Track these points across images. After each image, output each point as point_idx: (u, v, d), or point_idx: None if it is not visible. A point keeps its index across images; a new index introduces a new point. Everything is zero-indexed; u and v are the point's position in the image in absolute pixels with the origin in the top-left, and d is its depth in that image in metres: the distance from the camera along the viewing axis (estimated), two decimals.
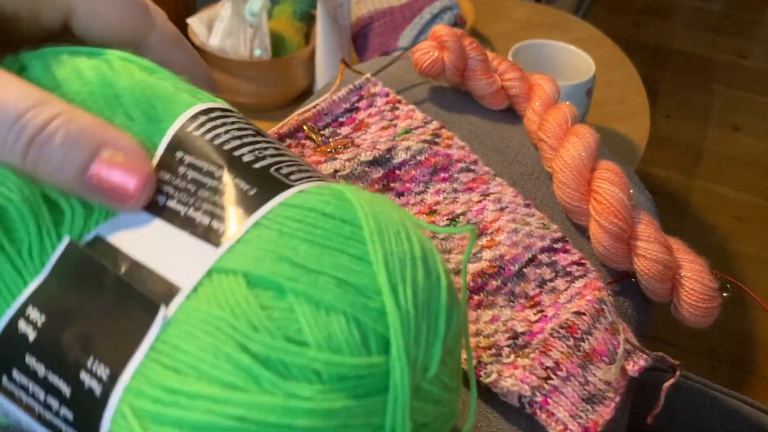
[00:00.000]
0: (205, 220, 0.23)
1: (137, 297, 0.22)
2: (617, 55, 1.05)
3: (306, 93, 0.95)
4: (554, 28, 1.08)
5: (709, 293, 0.36)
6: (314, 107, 0.44)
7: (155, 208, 0.24)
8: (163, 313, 0.21)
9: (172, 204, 0.23)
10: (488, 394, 0.32)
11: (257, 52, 0.90)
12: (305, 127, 0.43)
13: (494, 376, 0.31)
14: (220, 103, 0.26)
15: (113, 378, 0.21)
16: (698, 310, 0.36)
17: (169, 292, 0.22)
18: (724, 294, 0.37)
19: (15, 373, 0.22)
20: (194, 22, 0.91)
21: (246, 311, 0.21)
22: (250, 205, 0.23)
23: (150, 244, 0.23)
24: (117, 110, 0.24)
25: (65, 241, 0.23)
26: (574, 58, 0.86)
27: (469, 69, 0.46)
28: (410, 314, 0.21)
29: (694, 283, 0.36)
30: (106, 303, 0.22)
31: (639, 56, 1.09)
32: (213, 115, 0.25)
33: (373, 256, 0.22)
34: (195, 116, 0.25)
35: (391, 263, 0.22)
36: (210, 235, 0.22)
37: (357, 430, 0.21)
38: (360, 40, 0.95)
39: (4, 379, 0.22)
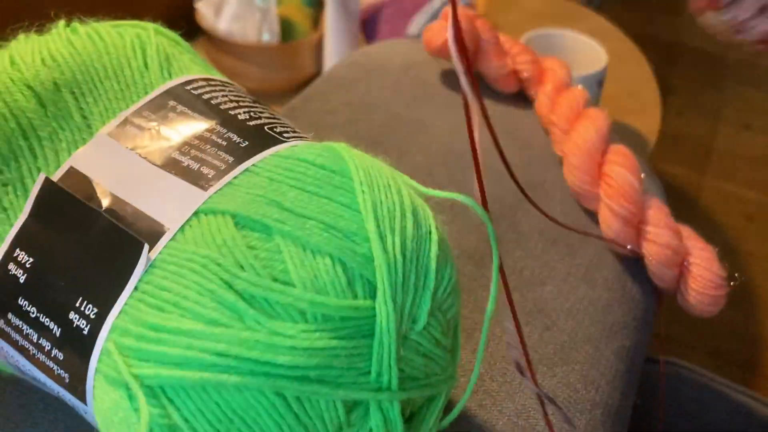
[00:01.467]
0: (193, 164, 0.23)
1: (122, 236, 0.22)
2: (629, 48, 1.04)
3: (313, 79, 0.95)
4: (565, 19, 1.07)
5: (718, 281, 0.36)
6: None
7: (132, 142, 0.24)
8: (147, 254, 0.21)
9: (153, 145, 0.24)
10: (493, 373, 0.31)
11: (265, 37, 0.89)
12: None
13: None
14: (224, 78, 0.28)
15: (101, 317, 0.21)
16: (705, 298, 0.36)
17: (155, 231, 0.22)
18: (731, 283, 0.36)
19: (10, 315, 0.22)
20: (202, 5, 0.90)
21: (233, 250, 0.21)
22: (241, 154, 0.23)
23: (131, 182, 0.23)
24: (140, 59, 0.27)
25: (41, 178, 0.23)
26: (585, 48, 0.85)
27: (482, 51, 0.45)
28: (397, 261, 0.21)
29: (703, 270, 0.36)
30: (91, 242, 0.22)
31: (651, 53, 1.07)
32: (214, 82, 0.27)
33: (362, 204, 0.22)
34: (196, 80, 0.26)
35: (379, 212, 0.22)
36: (197, 179, 0.23)
37: (341, 372, 0.21)
38: (369, 26, 0.94)
39: (2, 322, 0.23)
